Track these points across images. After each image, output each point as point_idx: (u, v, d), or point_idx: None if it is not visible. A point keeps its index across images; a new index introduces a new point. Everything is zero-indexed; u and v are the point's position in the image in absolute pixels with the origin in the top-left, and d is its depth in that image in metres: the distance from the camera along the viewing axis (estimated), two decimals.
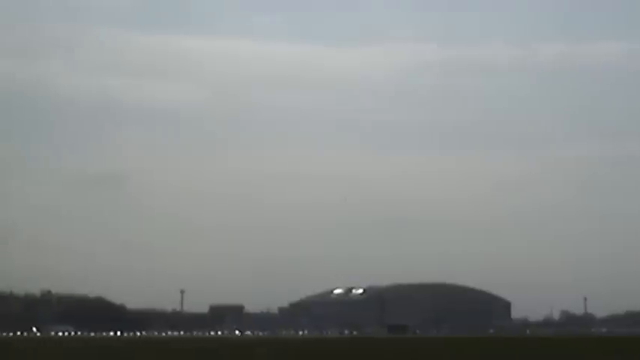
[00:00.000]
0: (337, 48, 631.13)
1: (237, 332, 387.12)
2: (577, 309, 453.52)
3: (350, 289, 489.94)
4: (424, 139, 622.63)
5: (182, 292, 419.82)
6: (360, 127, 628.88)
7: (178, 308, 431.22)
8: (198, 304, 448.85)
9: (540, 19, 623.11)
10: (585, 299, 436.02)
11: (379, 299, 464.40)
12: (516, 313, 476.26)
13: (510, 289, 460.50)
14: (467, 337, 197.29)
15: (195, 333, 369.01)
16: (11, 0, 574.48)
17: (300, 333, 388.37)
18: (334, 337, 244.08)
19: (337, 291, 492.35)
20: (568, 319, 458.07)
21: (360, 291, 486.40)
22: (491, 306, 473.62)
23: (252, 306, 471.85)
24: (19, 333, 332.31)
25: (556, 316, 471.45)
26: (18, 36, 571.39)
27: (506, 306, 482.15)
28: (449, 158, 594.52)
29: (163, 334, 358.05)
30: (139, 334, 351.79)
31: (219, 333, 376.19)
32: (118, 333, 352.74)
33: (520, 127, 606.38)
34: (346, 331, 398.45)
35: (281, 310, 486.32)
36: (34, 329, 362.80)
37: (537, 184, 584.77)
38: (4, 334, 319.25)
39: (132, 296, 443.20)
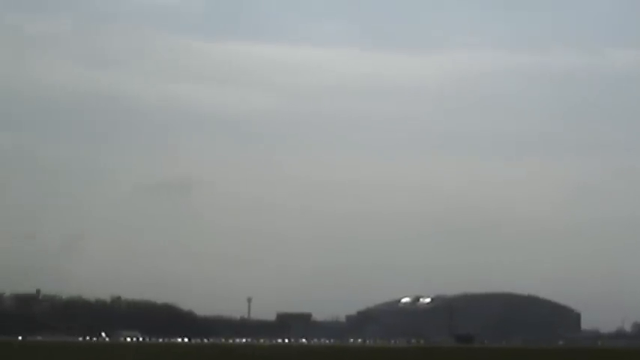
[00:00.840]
0: (405, 55, 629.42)
1: (303, 340, 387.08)
2: None
3: (417, 298, 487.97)
4: (493, 147, 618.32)
5: (249, 299, 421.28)
6: (427, 135, 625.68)
7: (246, 316, 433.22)
8: (265, 312, 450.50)
9: (612, 25, 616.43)
10: None
11: (447, 308, 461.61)
12: (586, 324, 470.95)
13: (581, 300, 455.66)
14: (535, 348, 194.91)
15: (262, 340, 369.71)
16: (81, 7, 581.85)
17: (367, 342, 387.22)
18: (401, 347, 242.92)
19: (405, 300, 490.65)
20: None
21: (428, 300, 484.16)
22: (561, 317, 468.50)
23: (319, 314, 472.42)
24: (88, 337, 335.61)
25: (628, 328, 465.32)
26: (87, 44, 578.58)
27: (576, 317, 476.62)
28: (518, 166, 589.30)
29: (230, 340, 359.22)
30: (206, 340, 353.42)
31: (286, 340, 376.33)
32: (186, 339, 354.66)
33: (592, 135, 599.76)
34: (413, 340, 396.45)
35: (348, 318, 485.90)
36: (103, 334, 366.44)
37: (610, 193, 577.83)
38: (74, 338, 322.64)
39: (200, 303, 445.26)
